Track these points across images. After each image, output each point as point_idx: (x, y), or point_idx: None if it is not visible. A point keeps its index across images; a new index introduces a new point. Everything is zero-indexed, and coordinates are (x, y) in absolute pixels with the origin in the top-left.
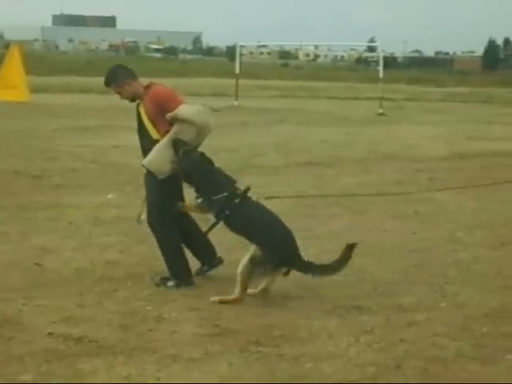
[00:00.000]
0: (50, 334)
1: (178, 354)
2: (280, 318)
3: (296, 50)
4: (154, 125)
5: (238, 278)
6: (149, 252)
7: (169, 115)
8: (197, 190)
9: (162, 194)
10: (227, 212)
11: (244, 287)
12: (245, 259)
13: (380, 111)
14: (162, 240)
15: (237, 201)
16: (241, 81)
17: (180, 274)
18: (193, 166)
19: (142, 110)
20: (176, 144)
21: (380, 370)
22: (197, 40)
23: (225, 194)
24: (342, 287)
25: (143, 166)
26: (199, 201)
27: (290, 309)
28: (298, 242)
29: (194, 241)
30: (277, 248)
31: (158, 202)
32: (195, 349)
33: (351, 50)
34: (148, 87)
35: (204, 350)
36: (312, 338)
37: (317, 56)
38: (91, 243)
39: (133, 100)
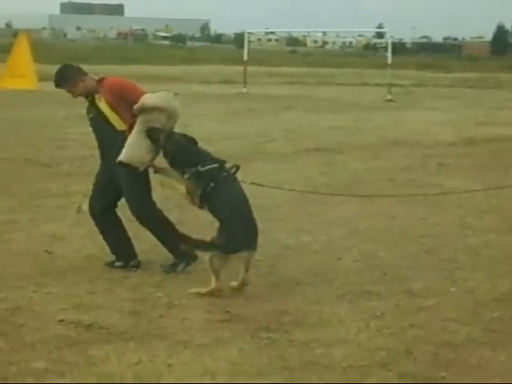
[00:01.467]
0: (61, 320)
1: (189, 340)
2: (290, 304)
3: (304, 36)
4: (119, 115)
5: (210, 267)
6: None
7: (135, 107)
8: (184, 170)
9: (142, 187)
10: (212, 184)
11: (216, 276)
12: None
13: (389, 97)
14: (156, 230)
15: (225, 174)
16: (249, 68)
17: (186, 253)
18: (179, 148)
19: (101, 104)
20: (151, 132)
21: (390, 355)
22: (205, 27)
23: (215, 165)
24: (351, 273)
25: (121, 162)
26: (186, 176)
27: (300, 294)
28: (307, 228)
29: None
30: (234, 233)
31: (140, 196)
32: (206, 335)
33: (359, 36)
34: (101, 80)
35: (214, 336)
36: (322, 324)
37: (325, 42)
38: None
39: (87, 96)
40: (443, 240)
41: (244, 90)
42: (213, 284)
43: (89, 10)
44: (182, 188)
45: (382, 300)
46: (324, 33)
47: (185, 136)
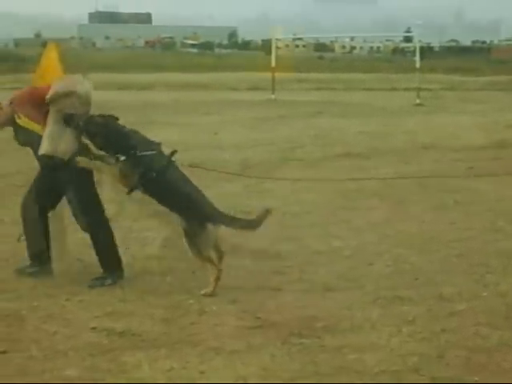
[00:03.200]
0: (94, 328)
1: (221, 347)
2: (322, 309)
3: (332, 42)
4: (39, 122)
5: (200, 260)
6: None
7: (48, 97)
8: (115, 151)
9: (90, 193)
10: (153, 174)
11: (209, 260)
12: (187, 241)
13: (417, 101)
14: (97, 239)
15: (165, 163)
16: (277, 74)
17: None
18: (102, 128)
19: (21, 121)
20: (68, 119)
21: (422, 360)
22: (232, 34)
23: (153, 152)
24: (382, 278)
25: (44, 155)
26: (122, 158)
27: (332, 300)
28: (337, 234)
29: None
30: (198, 208)
31: (88, 202)
32: (237, 341)
33: (387, 40)
34: (12, 101)
35: (246, 342)
36: (354, 329)
37: (353, 48)
38: (132, 238)
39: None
40: (474, 244)
41: (272, 97)
42: (212, 269)
43: (117, 19)
44: (110, 169)
45: (414, 305)
46: (352, 38)
47: (104, 116)
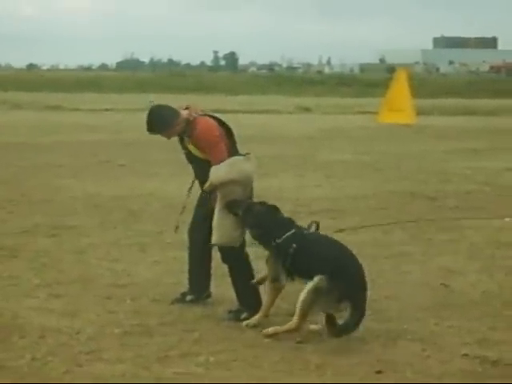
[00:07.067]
0: (465, 355)
1: None
2: None
3: None
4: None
5: (298, 307)
6: None
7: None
8: (264, 241)
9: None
10: (294, 246)
11: (303, 317)
12: (308, 288)
13: None
14: (235, 272)
15: (305, 233)
16: None
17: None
18: (260, 217)
19: (190, 146)
20: (229, 207)
21: None
22: None
23: (292, 231)
24: None
25: (215, 245)
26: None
27: None
28: None
29: (202, 265)
30: (345, 280)
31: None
32: None
33: None
34: (190, 124)
35: None
36: None
37: None
38: (495, 266)
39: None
40: None
41: None
42: (295, 322)
43: (462, 43)
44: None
45: None
46: None
47: (262, 204)
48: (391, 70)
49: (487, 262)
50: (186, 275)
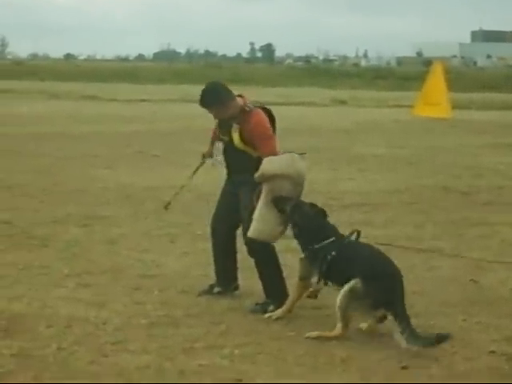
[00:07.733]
0: (492, 352)
1: None
2: None
3: None
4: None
5: (338, 312)
6: None
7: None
8: (303, 242)
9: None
10: (333, 253)
11: (345, 321)
12: (343, 291)
13: None
14: (262, 265)
15: (344, 241)
16: None
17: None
18: (306, 219)
19: (235, 135)
20: (277, 202)
21: None
22: None
23: (332, 239)
24: None
25: (251, 238)
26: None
27: None
28: None
29: (227, 257)
30: (381, 285)
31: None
32: None
33: None
34: (246, 113)
35: None
36: None
37: None
38: None
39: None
40: None
41: None
42: (340, 328)
43: (500, 37)
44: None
45: None
46: None
47: (312, 206)
48: (428, 63)
49: None
50: (214, 267)
